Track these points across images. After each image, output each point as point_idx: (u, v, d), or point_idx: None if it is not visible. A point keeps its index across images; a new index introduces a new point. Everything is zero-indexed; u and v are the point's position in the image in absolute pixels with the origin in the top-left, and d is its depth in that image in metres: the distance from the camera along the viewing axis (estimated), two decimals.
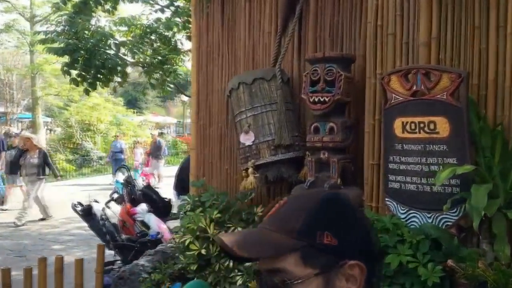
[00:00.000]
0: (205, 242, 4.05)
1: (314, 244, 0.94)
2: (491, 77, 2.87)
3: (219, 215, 4.13)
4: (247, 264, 3.82)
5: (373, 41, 3.37)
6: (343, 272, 0.94)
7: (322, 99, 3.45)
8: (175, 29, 7.80)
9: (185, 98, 32.54)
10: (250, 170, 3.87)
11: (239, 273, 3.86)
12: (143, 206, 7.17)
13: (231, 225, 4.08)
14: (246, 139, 3.92)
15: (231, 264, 3.91)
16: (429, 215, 3.01)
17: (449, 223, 2.94)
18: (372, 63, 3.38)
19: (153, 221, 6.93)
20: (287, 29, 4.24)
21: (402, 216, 3.13)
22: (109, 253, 6.06)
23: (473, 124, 2.86)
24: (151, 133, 19.89)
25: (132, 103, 39.57)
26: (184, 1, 7.90)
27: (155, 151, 15.77)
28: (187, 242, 4.06)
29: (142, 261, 4.56)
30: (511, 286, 2.43)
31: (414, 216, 3.09)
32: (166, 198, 8.35)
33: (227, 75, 4.75)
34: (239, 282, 3.77)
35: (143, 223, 6.93)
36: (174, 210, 8.15)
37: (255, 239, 1.00)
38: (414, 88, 2.98)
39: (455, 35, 3.02)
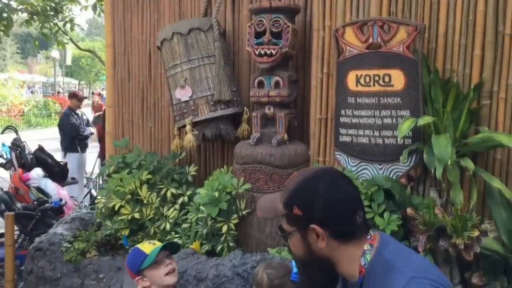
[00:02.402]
0: (136, 205, 3.78)
1: (291, 213, 1.36)
2: (441, 31, 2.96)
3: (149, 176, 3.87)
4: (184, 225, 3.66)
5: None
6: (311, 231, 1.33)
7: (268, 52, 3.30)
8: None
9: (55, 54, 29.98)
10: (188, 127, 3.62)
11: (177, 235, 3.68)
12: (38, 171, 6.51)
13: (163, 186, 3.85)
14: (182, 94, 3.65)
15: (167, 226, 3.70)
16: (380, 167, 3.09)
17: (399, 174, 3.04)
18: (320, 15, 3.29)
19: (52, 187, 6.35)
20: None
21: (353, 169, 3.17)
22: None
23: (423, 77, 2.94)
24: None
25: None
26: None
27: None
28: (116, 206, 3.75)
29: (59, 229, 4.13)
30: (468, 229, 2.59)
31: (365, 169, 3.14)
32: (61, 162, 7.69)
33: (148, 25, 4.35)
34: None
35: (40, 189, 6.29)
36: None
37: (269, 205, 1.46)
38: (370, 40, 2.97)
39: None
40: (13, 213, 4.29)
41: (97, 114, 9.98)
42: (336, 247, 1.34)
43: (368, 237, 1.36)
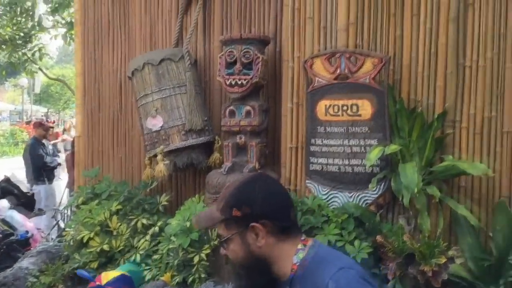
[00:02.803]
0: (106, 236, 3.71)
1: (230, 217, 1.41)
2: (405, 63, 3.07)
3: (119, 206, 3.82)
4: (155, 257, 3.60)
5: (291, 24, 3.36)
6: (250, 231, 1.40)
7: (239, 82, 3.35)
8: (37, 0, 6.91)
9: (23, 82, 29.51)
10: (159, 157, 3.61)
11: (147, 267, 3.61)
12: (3, 203, 6.37)
13: (133, 217, 3.79)
14: (154, 124, 3.65)
15: (138, 258, 3.63)
16: (350, 195, 3.13)
17: (368, 201, 3.09)
18: (290, 46, 3.37)
19: (18, 219, 6.18)
20: (190, 8, 4.03)
21: (324, 197, 3.21)
22: None
23: (390, 106, 3.03)
24: None
25: None
26: None
27: None
28: (85, 238, 3.67)
29: (25, 263, 4.00)
30: (436, 256, 2.64)
31: (335, 197, 3.18)
32: (28, 192, 7.51)
33: (119, 55, 4.37)
34: (148, 276, 3.52)
35: (5, 221, 6.12)
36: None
37: (205, 216, 1.54)
38: (338, 71, 3.05)
39: (372, 21, 3.15)
40: None
41: (52, 142, 9.72)
42: (274, 245, 1.42)
43: (302, 238, 1.45)
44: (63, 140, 10.49)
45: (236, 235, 1.42)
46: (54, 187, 8.02)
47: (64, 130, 10.98)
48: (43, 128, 7.97)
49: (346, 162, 3.11)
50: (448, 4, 2.94)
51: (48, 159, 7.47)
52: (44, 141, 7.82)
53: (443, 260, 2.59)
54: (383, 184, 3.03)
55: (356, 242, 2.91)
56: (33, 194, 7.36)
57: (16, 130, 24.63)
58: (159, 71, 3.66)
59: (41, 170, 7.56)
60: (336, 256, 1.43)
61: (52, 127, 8.04)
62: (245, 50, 3.37)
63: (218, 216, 1.44)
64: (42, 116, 32.31)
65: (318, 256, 1.39)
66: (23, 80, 28.94)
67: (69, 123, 11.12)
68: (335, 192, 3.18)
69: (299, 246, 1.43)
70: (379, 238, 2.80)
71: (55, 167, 7.86)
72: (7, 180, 7.36)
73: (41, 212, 7.25)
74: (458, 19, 2.93)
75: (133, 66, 3.76)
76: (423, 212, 2.74)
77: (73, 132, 11.30)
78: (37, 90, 32.74)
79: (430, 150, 2.91)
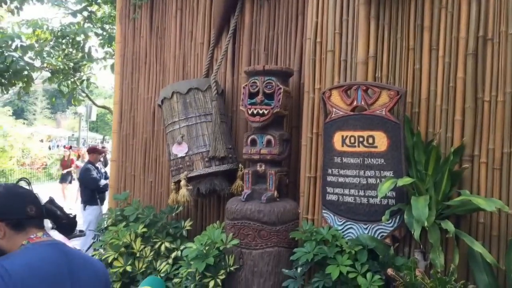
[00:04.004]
0: (130, 258, 3.83)
1: None
2: (423, 96, 3.08)
3: (144, 229, 3.94)
4: (175, 280, 3.68)
5: (312, 57, 3.45)
6: None
7: (261, 112, 3.45)
8: (89, 34, 7.40)
9: (81, 110, 30.96)
10: (182, 182, 3.73)
11: None
12: (46, 223, 6.58)
13: (157, 240, 3.91)
14: (179, 150, 3.79)
15: None
16: (365, 227, 3.12)
17: (384, 234, 3.06)
18: (311, 78, 3.45)
19: (58, 239, 6.40)
20: (220, 41, 4.22)
21: (339, 228, 3.21)
22: None
23: (407, 139, 3.03)
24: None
25: (18, 114, 36.85)
26: (98, 8, 7.56)
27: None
28: (110, 259, 3.81)
29: None
30: None
31: (350, 228, 3.17)
32: (71, 214, 7.80)
33: (154, 85, 4.59)
34: None
35: None
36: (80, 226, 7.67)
37: None
38: (355, 103, 3.10)
39: (391, 55, 3.20)
40: None
41: (65, 171, 9.90)
42: (9, 237, 1.59)
43: (33, 236, 1.63)
44: (77, 167, 10.64)
45: None
46: (104, 210, 8.31)
47: (79, 156, 11.15)
48: (97, 153, 8.34)
49: (362, 193, 3.11)
50: (466, 39, 2.95)
51: (102, 182, 7.78)
52: (97, 164, 8.16)
53: None
54: (398, 217, 3.00)
55: (369, 275, 2.89)
56: (75, 216, 7.62)
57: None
58: (186, 99, 3.83)
59: (95, 193, 7.85)
60: (18, 253, 1.56)
61: (105, 152, 8.35)
62: (267, 81, 3.48)
63: None
64: (90, 142, 33.55)
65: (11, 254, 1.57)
66: (81, 108, 30.36)
67: (81, 150, 11.26)
68: (351, 223, 3.17)
69: (24, 242, 1.60)
70: (390, 271, 2.76)
71: (106, 189, 8.15)
72: (51, 201, 7.69)
73: (81, 233, 7.50)
74: (476, 53, 2.93)
75: (163, 95, 3.95)
76: (436, 247, 2.69)
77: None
78: (93, 117, 34.18)
79: (447, 184, 2.87)
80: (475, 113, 2.93)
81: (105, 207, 8.37)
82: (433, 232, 2.72)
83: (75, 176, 10.37)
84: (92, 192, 7.63)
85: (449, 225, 2.68)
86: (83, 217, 7.44)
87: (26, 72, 6.65)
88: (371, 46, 3.22)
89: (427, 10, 3.09)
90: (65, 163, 10.51)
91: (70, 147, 11.56)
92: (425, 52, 3.08)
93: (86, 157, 11.40)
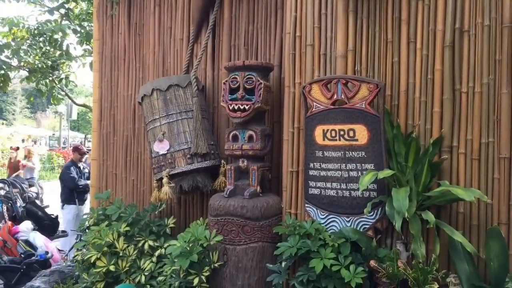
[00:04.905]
0: (113, 257, 3.80)
1: None
2: (402, 89, 3.10)
3: (127, 228, 3.91)
4: (160, 278, 3.67)
5: (292, 51, 3.45)
6: None
7: (242, 107, 3.44)
8: (67, 32, 7.28)
9: (61, 109, 30.57)
10: (165, 179, 3.71)
11: None
12: (27, 224, 6.54)
13: (140, 239, 3.88)
14: (161, 147, 3.77)
15: (142, 279, 3.71)
16: (348, 219, 3.14)
17: (366, 226, 3.08)
18: (291, 72, 3.45)
19: (40, 240, 6.35)
20: (200, 36, 4.20)
21: (322, 221, 3.22)
22: None
23: (387, 132, 3.05)
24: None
25: None
26: (76, 5, 7.45)
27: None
28: (93, 258, 3.77)
29: (37, 282, 4.13)
30: (429, 282, 2.61)
31: (333, 221, 3.19)
32: (52, 215, 7.72)
33: (134, 82, 4.55)
34: None
35: (28, 242, 6.30)
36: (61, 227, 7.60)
37: None
38: (335, 97, 3.11)
39: (370, 48, 3.21)
40: None
41: (15, 174, 9.47)
42: None
43: None
44: (23, 167, 10.13)
45: None
46: (83, 210, 8.22)
47: (26, 156, 10.50)
48: (78, 153, 8.21)
49: (344, 186, 3.13)
50: (443, 31, 2.98)
51: (81, 182, 7.67)
52: (79, 164, 8.05)
53: (435, 286, 2.56)
54: (380, 209, 3.03)
55: (352, 267, 2.91)
56: (56, 216, 7.56)
57: (53, 155, 25.42)
58: (166, 96, 3.80)
59: (73, 192, 7.76)
60: None
61: (86, 152, 8.23)
62: (247, 77, 3.47)
63: None
64: (79, 141, 33.15)
65: None
66: (61, 107, 29.96)
67: (28, 149, 10.63)
68: (333, 216, 3.19)
69: None
70: (372, 263, 2.79)
71: (86, 190, 8.06)
72: (32, 202, 7.61)
73: (64, 233, 7.43)
74: (453, 45, 2.96)
75: (143, 92, 3.91)
76: (417, 237, 2.72)
77: (35, 158, 10.81)
78: (74, 116, 33.79)
79: (427, 175, 2.90)
80: (453, 104, 2.96)
81: (87, 208, 8.30)
82: (414, 223, 2.75)
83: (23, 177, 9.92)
84: (70, 191, 7.54)
85: (429, 216, 2.71)
86: (62, 216, 7.36)
87: (2, 71, 6.53)
88: (350, 39, 3.23)
89: (405, 3, 3.11)
90: (12, 165, 10.11)
91: (17, 148, 10.80)
92: (403, 44, 3.10)
93: (33, 156, 10.95)
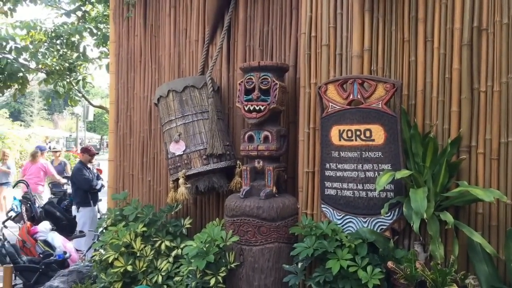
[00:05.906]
0: (130, 258, 3.83)
1: None
2: (419, 88, 3.07)
3: (144, 228, 3.94)
4: (176, 278, 3.68)
5: (307, 51, 3.44)
6: None
7: (257, 108, 3.44)
8: (84, 34, 7.37)
9: (78, 110, 30.89)
10: (181, 180, 3.73)
11: None
12: (45, 225, 6.62)
13: (157, 239, 3.91)
14: (177, 148, 3.79)
15: (159, 279, 3.73)
16: (364, 220, 3.12)
17: (383, 227, 3.06)
18: (306, 73, 3.45)
19: (58, 240, 6.42)
20: (215, 37, 4.21)
21: (339, 222, 3.21)
22: None
23: (404, 132, 3.02)
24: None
25: (15, 116, 36.78)
26: (92, 7, 7.53)
27: None
28: (110, 259, 3.80)
29: (56, 282, 4.18)
30: (448, 284, 2.58)
31: (350, 222, 3.17)
32: (70, 215, 7.81)
33: (150, 83, 4.58)
34: None
35: (46, 242, 6.38)
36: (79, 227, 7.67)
37: None
38: (351, 97, 3.09)
39: (386, 47, 3.19)
40: (11, 266, 4.36)
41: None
42: None
43: None
44: None
45: None
46: (98, 210, 8.28)
47: (0, 160, 10.24)
48: (88, 154, 8.28)
49: (360, 187, 3.11)
50: (461, 30, 2.94)
51: (94, 182, 7.74)
52: (89, 165, 8.11)
53: None
54: (397, 209, 3.00)
55: (369, 268, 2.89)
56: (74, 217, 7.64)
57: (70, 156, 25.72)
58: (182, 97, 3.82)
59: (87, 194, 7.82)
60: None
61: (96, 153, 8.30)
62: (263, 77, 3.47)
63: None
64: (88, 142, 33.38)
65: None
66: (78, 108, 30.26)
67: (3, 151, 10.39)
68: (350, 217, 3.17)
69: None
70: (390, 264, 2.77)
71: (100, 190, 8.13)
72: (50, 202, 7.70)
73: (81, 234, 7.49)
74: (471, 44, 2.92)
75: (159, 93, 3.94)
76: (436, 238, 2.69)
77: (10, 161, 10.47)
78: (91, 118, 34.12)
79: (445, 175, 2.87)
80: (472, 103, 2.93)
81: (101, 207, 8.37)
82: (432, 223, 2.72)
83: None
84: (84, 193, 7.57)
85: (448, 217, 2.68)
86: (77, 218, 7.40)
87: (21, 74, 6.63)
88: (366, 39, 3.22)
89: (421, 2, 3.09)
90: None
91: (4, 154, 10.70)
92: (420, 44, 3.07)
93: (9, 159, 10.72)
